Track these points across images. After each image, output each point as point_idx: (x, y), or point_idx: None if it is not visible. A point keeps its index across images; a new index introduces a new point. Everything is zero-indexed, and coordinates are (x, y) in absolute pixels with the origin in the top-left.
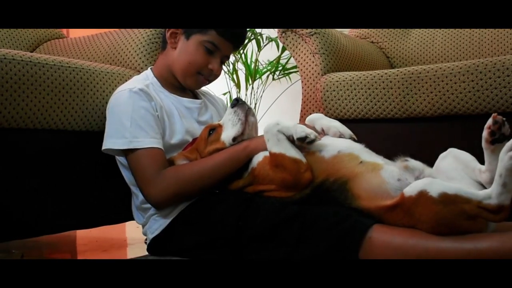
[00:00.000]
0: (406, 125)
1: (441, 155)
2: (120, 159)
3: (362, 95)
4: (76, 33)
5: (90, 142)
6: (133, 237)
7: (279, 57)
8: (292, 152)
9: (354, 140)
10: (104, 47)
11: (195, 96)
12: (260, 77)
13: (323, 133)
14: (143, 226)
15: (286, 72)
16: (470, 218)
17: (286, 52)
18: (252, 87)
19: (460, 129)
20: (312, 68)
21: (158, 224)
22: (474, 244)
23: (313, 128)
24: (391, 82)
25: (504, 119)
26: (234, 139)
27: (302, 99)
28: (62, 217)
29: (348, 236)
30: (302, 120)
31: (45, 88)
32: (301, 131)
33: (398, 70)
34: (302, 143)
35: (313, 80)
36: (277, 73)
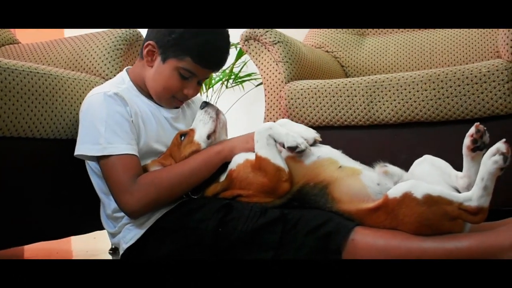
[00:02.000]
0: (369, 132)
1: (416, 161)
2: (92, 166)
3: (327, 103)
4: (24, 38)
5: (58, 150)
6: (81, 249)
7: (232, 66)
8: (278, 160)
9: (319, 142)
10: (65, 53)
11: None
12: (212, 86)
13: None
14: (113, 235)
15: (239, 80)
16: (451, 219)
17: (239, 61)
18: (207, 96)
19: (421, 135)
20: (276, 76)
21: (133, 233)
22: (454, 244)
23: None
24: (355, 90)
25: (485, 128)
26: (208, 136)
27: (265, 107)
28: (29, 228)
29: (331, 238)
30: None
31: (14, 94)
32: (292, 140)
33: (362, 79)
34: (292, 152)
35: (277, 88)
36: (230, 81)
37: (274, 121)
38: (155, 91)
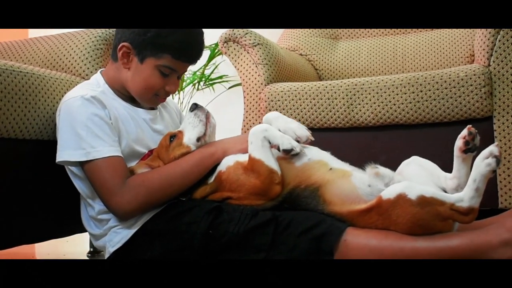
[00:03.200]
0: (349, 134)
1: (404, 162)
2: (73, 169)
3: (307, 105)
4: None
5: (39, 152)
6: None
7: (204, 68)
8: (271, 162)
9: (311, 141)
10: (42, 52)
11: None
12: (183, 89)
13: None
14: (97, 238)
15: (210, 82)
16: (443, 219)
17: (210, 63)
18: (179, 98)
19: (400, 138)
20: (255, 78)
21: (120, 236)
22: (445, 243)
23: None
24: (335, 93)
25: (476, 131)
26: (198, 139)
27: (244, 109)
28: (9, 232)
29: (324, 239)
30: (244, 129)
31: None
32: (287, 143)
33: (342, 81)
34: (287, 155)
35: (256, 90)
36: (201, 83)
37: (253, 123)
38: (137, 92)
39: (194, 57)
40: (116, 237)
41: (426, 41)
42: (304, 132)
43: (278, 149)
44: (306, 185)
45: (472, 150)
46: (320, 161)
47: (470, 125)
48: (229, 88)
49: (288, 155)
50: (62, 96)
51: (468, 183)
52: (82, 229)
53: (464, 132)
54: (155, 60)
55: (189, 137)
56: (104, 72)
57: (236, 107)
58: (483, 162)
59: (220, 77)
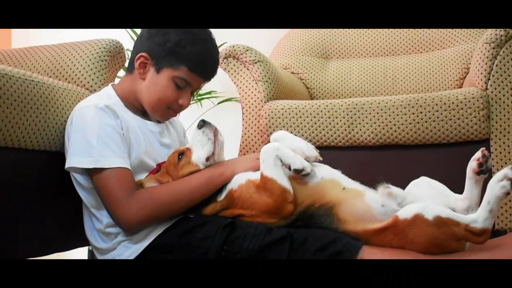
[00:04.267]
0: (349, 153)
1: (413, 182)
2: (80, 180)
3: (308, 123)
4: None
5: (47, 163)
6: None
7: None
8: (284, 181)
9: (319, 161)
10: (45, 61)
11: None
12: None
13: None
14: (103, 252)
15: (198, 98)
16: (458, 239)
17: None
18: None
19: (399, 158)
20: (255, 95)
21: (131, 251)
22: None
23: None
24: (336, 111)
25: (489, 153)
26: (207, 159)
27: (243, 125)
28: (15, 244)
29: (340, 257)
30: (242, 145)
31: (12, 102)
32: (299, 163)
33: (343, 101)
34: (297, 174)
35: (255, 107)
36: None
37: (252, 140)
38: (150, 103)
39: (209, 73)
40: (127, 251)
41: (416, 63)
42: (313, 152)
43: (289, 168)
44: (321, 204)
45: (484, 172)
46: (332, 180)
47: (484, 148)
48: (218, 103)
49: (299, 175)
50: (71, 107)
51: (482, 204)
52: (85, 243)
53: (478, 154)
54: (171, 71)
55: (198, 156)
56: (116, 86)
57: (224, 122)
58: (497, 184)
59: (209, 92)
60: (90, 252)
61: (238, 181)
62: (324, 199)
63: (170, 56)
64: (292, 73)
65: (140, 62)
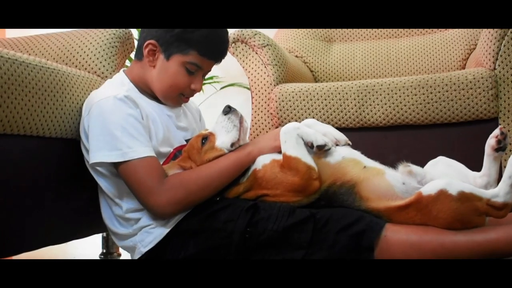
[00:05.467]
0: (360, 134)
1: (431, 162)
2: (101, 169)
3: (318, 106)
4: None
5: (62, 150)
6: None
7: None
8: (308, 158)
9: (349, 146)
10: (53, 49)
11: None
12: None
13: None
14: (124, 238)
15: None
16: (480, 214)
17: None
18: None
19: (410, 137)
20: (264, 79)
21: (153, 236)
22: (483, 236)
23: None
24: (346, 93)
25: (508, 131)
26: (232, 145)
27: (252, 109)
28: (39, 232)
29: (364, 236)
30: (253, 129)
31: (30, 90)
32: (321, 139)
33: (353, 83)
34: (320, 151)
35: (265, 90)
36: None
37: (262, 123)
38: (162, 90)
39: (219, 54)
40: (149, 237)
41: (419, 45)
42: (343, 136)
43: (311, 146)
44: (342, 182)
45: (503, 149)
46: (353, 159)
47: (501, 125)
48: (220, 89)
49: (321, 150)
50: (85, 94)
51: (503, 179)
52: (100, 230)
53: (497, 131)
54: (181, 57)
55: (223, 141)
56: (127, 71)
57: None
58: None
59: (211, 78)
60: (104, 239)
61: (262, 161)
62: (346, 177)
63: (179, 42)
64: (296, 56)
65: (148, 49)
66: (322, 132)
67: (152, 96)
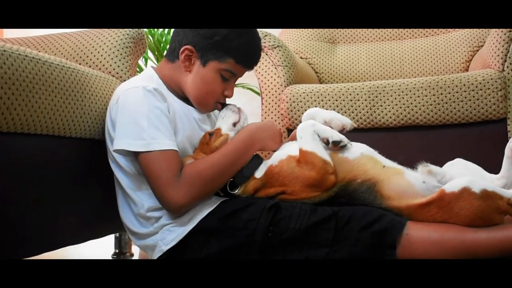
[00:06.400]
0: (370, 134)
1: (448, 163)
2: (123, 164)
3: (330, 106)
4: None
5: (81, 150)
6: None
7: None
8: (324, 153)
9: (355, 128)
10: (66, 49)
11: None
12: None
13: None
14: (143, 237)
15: None
16: (500, 212)
17: None
18: None
19: (420, 138)
20: (275, 79)
21: (175, 234)
22: (504, 233)
23: None
24: (358, 94)
25: None
26: (234, 124)
27: (262, 109)
28: (59, 231)
29: (386, 234)
30: None
31: (53, 89)
32: (336, 135)
33: (364, 84)
34: (335, 147)
35: (275, 91)
36: None
37: None
38: (198, 96)
39: (254, 63)
40: (170, 235)
41: (423, 46)
42: (348, 120)
43: (327, 142)
44: (363, 180)
45: None
46: (372, 157)
47: None
48: None
49: (337, 147)
50: (103, 94)
51: None
52: (117, 230)
53: None
54: (218, 64)
55: (225, 127)
56: (157, 69)
57: None
58: None
59: None
60: (117, 239)
61: (279, 156)
62: (366, 176)
63: (217, 49)
64: (301, 58)
65: (185, 55)
66: (327, 118)
67: (180, 95)
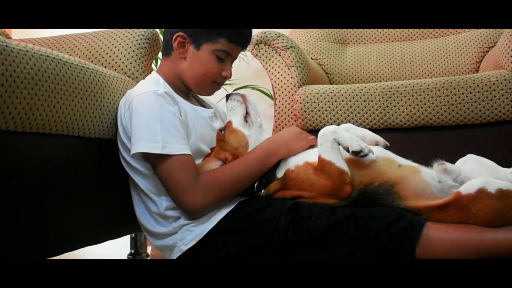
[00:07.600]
0: (384, 135)
1: (461, 160)
2: (138, 167)
3: (343, 107)
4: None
5: (99, 150)
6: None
7: None
8: (341, 163)
9: (387, 147)
10: (81, 49)
11: (202, 104)
12: None
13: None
14: (162, 237)
15: None
16: None
17: None
18: None
19: (433, 138)
20: (288, 80)
21: (194, 234)
22: None
23: None
24: (371, 95)
25: None
26: (245, 119)
27: (275, 110)
28: (78, 232)
29: (405, 234)
30: (276, 130)
31: (73, 90)
32: (356, 144)
33: (377, 84)
34: (356, 156)
35: (288, 92)
36: None
37: (286, 124)
38: (195, 80)
39: (246, 41)
40: (190, 235)
41: (433, 47)
42: (381, 138)
43: (347, 150)
44: (380, 182)
45: None
46: (387, 158)
47: None
48: (233, 91)
49: (357, 156)
50: (121, 95)
51: None
52: (133, 230)
53: None
54: (211, 45)
55: (236, 120)
56: (159, 71)
57: None
58: None
59: None
60: (133, 239)
61: (295, 162)
62: (383, 178)
63: (208, 31)
64: (311, 58)
65: (178, 42)
66: (359, 136)
67: (185, 96)
